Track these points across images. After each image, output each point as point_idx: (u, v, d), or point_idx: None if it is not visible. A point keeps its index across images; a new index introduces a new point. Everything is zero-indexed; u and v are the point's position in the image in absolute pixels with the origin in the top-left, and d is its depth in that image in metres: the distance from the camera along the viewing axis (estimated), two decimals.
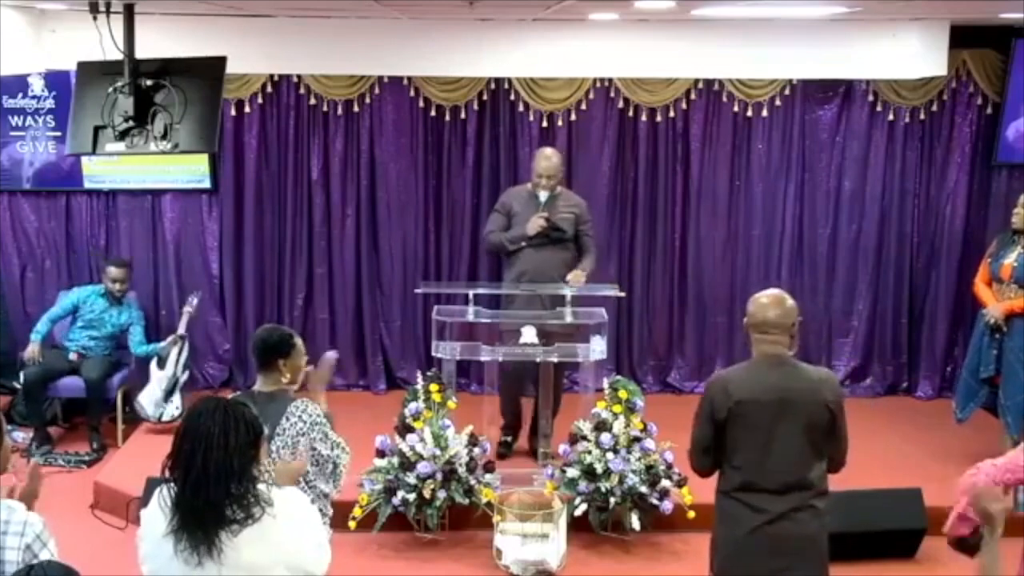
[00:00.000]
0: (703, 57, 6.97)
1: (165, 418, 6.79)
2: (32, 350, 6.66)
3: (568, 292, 5.96)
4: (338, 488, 3.87)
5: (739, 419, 3.54)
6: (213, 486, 2.63)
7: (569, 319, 5.91)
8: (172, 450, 2.71)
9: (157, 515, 2.70)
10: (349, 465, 3.92)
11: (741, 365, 3.72)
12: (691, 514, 5.42)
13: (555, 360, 6.02)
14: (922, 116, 7.34)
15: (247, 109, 7.23)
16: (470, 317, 5.90)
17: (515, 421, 6.34)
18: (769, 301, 3.67)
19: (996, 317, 5.99)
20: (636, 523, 5.40)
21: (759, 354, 3.64)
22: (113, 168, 7.15)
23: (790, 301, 3.67)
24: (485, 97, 7.28)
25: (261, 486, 2.72)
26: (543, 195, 6.13)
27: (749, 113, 7.31)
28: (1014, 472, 3.38)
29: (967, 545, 3.43)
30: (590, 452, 5.47)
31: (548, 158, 6.16)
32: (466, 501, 5.44)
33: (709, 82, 7.27)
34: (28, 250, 7.42)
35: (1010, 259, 6.02)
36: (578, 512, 5.44)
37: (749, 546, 3.55)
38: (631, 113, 7.33)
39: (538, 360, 5.97)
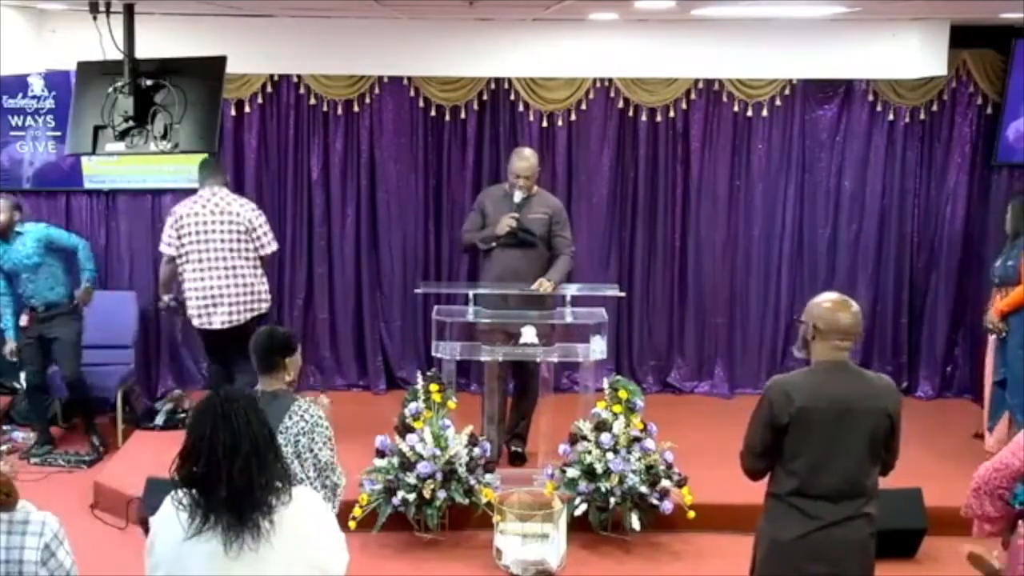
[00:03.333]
0: (703, 57, 6.97)
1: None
2: (9, 348, 6.58)
3: (568, 293, 5.95)
4: (334, 508, 3.81)
5: (800, 426, 3.49)
6: (258, 472, 2.62)
7: (569, 319, 5.91)
8: (192, 450, 2.64)
9: (172, 520, 2.65)
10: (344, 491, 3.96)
11: (802, 371, 3.63)
12: (691, 514, 5.42)
13: (554, 360, 6.02)
14: (922, 116, 7.34)
15: (247, 109, 7.24)
16: (470, 317, 5.90)
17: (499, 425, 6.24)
18: (838, 306, 3.57)
19: (992, 323, 6.13)
20: (636, 523, 5.40)
21: (823, 360, 3.57)
22: (113, 168, 7.15)
23: (856, 305, 3.61)
24: (485, 97, 7.28)
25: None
26: (518, 196, 6.02)
27: (749, 113, 7.31)
28: (1001, 471, 3.39)
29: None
30: (590, 452, 5.47)
31: (526, 158, 6.05)
32: (466, 501, 5.44)
33: (709, 82, 7.27)
34: None
35: (998, 262, 6.13)
36: (578, 512, 5.44)
37: (795, 550, 3.53)
38: (631, 113, 7.33)
39: (538, 360, 5.97)
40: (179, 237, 6.10)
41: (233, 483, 2.59)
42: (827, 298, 3.65)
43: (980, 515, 3.46)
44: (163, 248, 6.21)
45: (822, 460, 3.50)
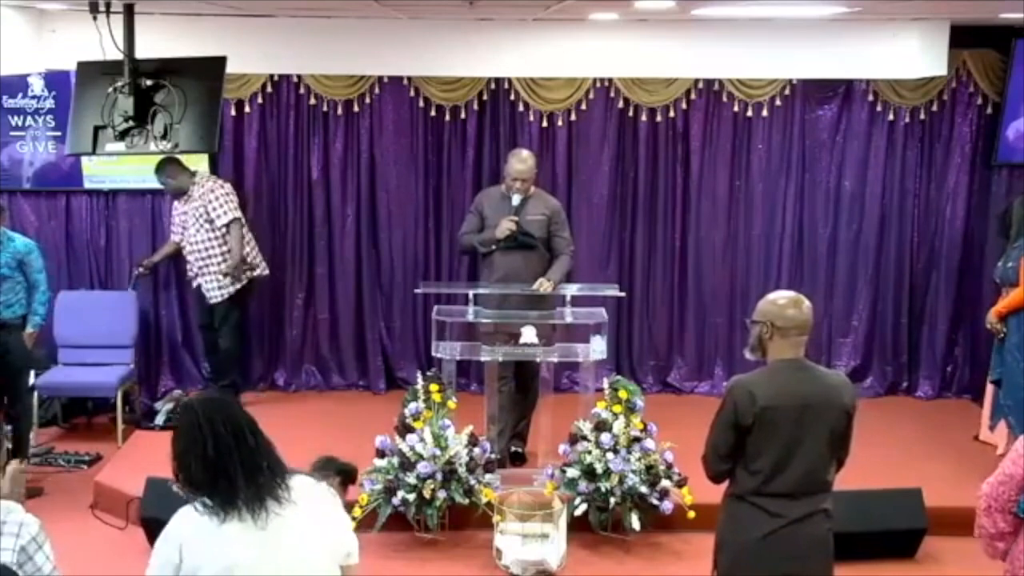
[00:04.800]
0: (703, 57, 6.98)
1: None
2: None
3: (568, 292, 5.95)
4: None
5: (764, 425, 3.48)
6: (264, 448, 2.73)
7: (569, 319, 5.90)
8: (196, 439, 2.69)
9: (198, 522, 2.67)
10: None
11: (762, 370, 3.62)
12: (691, 514, 5.41)
13: (555, 360, 6.02)
14: (922, 116, 7.33)
15: (247, 109, 7.23)
16: (470, 317, 5.89)
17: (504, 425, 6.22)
18: (793, 303, 3.59)
19: (990, 323, 6.09)
20: (636, 523, 5.40)
21: (781, 359, 3.57)
22: (113, 168, 7.14)
23: (807, 301, 3.63)
24: (485, 97, 7.28)
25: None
26: (516, 198, 6.00)
27: (749, 113, 7.30)
28: (1006, 483, 3.38)
29: None
30: (590, 452, 5.46)
31: (523, 160, 6.02)
32: (466, 501, 5.44)
33: (709, 82, 7.27)
34: None
35: (1000, 262, 6.13)
36: (578, 512, 5.43)
37: (762, 550, 3.52)
38: (631, 113, 7.33)
39: (537, 360, 5.97)
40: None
41: (244, 458, 2.68)
42: (780, 296, 3.67)
43: (994, 534, 3.42)
44: (237, 213, 6.89)
45: (784, 458, 3.50)
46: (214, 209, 6.82)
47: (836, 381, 3.65)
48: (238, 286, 6.93)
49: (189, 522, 2.70)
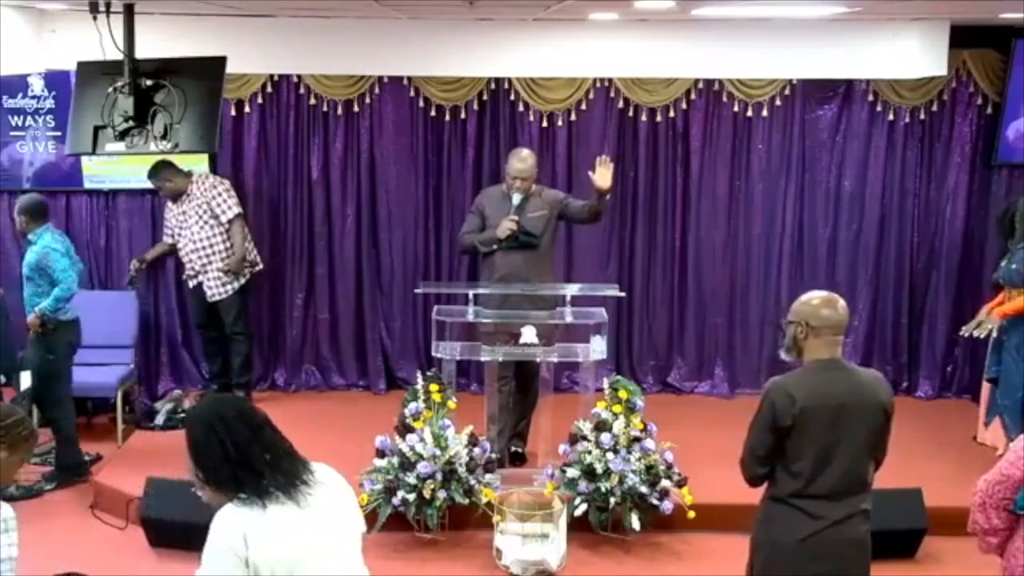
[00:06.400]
0: (703, 57, 6.98)
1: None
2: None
3: (568, 293, 5.95)
4: None
5: (803, 426, 3.47)
6: (283, 443, 2.77)
7: (569, 319, 5.91)
8: (214, 440, 2.69)
9: (245, 512, 2.66)
10: None
11: (799, 371, 3.61)
12: (691, 514, 5.42)
13: (554, 360, 6.02)
14: (922, 116, 7.34)
15: (247, 109, 7.23)
16: (470, 317, 5.89)
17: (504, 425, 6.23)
18: (827, 302, 3.58)
19: (988, 319, 6.00)
20: (636, 523, 5.40)
21: (817, 359, 3.57)
22: (113, 168, 7.15)
23: (841, 300, 3.63)
24: (485, 97, 7.28)
25: None
26: (516, 197, 6.00)
27: (749, 113, 7.30)
28: (1003, 483, 3.39)
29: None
30: (590, 452, 5.46)
31: (523, 160, 6.02)
32: (466, 501, 5.44)
33: (709, 82, 7.27)
34: None
35: (1003, 263, 6.12)
36: (578, 512, 5.43)
37: (801, 552, 3.50)
38: (631, 113, 7.33)
39: (538, 359, 5.97)
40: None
41: (266, 448, 2.71)
42: (815, 296, 3.66)
43: (988, 529, 3.44)
44: (240, 209, 6.95)
45: (824, 459, 3.49)
46: (218, 205, 6.85)
47: (870, 379, 3.65)
48: (240, 282, 6.96)
49: (239, 515, 2.66)
